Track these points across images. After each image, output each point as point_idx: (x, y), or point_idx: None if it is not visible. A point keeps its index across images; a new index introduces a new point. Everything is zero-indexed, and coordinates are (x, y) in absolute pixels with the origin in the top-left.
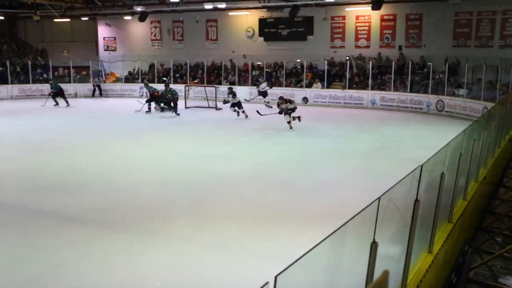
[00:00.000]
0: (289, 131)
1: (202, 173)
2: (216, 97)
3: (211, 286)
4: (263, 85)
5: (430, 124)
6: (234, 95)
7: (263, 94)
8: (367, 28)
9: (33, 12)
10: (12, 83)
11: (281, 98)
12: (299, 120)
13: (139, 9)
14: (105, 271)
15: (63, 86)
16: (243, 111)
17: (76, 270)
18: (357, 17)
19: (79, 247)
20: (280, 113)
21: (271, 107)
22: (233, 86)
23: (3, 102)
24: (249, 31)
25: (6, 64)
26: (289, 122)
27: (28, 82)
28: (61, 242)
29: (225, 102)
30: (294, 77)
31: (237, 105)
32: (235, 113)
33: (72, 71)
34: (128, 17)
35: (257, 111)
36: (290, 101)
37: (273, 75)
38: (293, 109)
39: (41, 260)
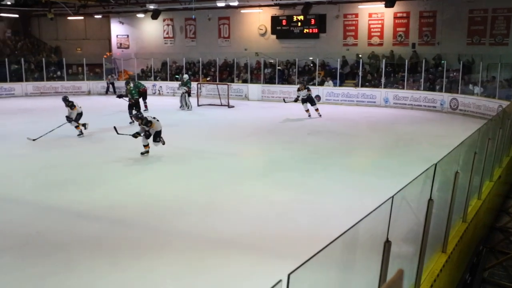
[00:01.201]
0: (300, 129)
1: (215, 171)
2: (228, 94)
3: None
4: (303, 92)
5: (444, 123)
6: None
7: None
8: (380, 25)
9: (47, 10)
10: (26, 80)
11: (301, 83)
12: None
13: (151, 7)
14: (114, 267)
15: (77, 84)
16: (316, 109)
17: (87, 265)
18: (370, 15)
19: (91, 243)
20: (295, 101)
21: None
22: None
23: (18, 99)
24: (262, 29)
25: (20, 62)
26: (307, 111)
27: (42, 80)
28: (73, 237)
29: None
30: (307, 75)
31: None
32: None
33: (85, 68)
34: (141, 15)
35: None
36: (308, 88)
37: (285, 73)
38: (310, 98)
39: (53, 256)
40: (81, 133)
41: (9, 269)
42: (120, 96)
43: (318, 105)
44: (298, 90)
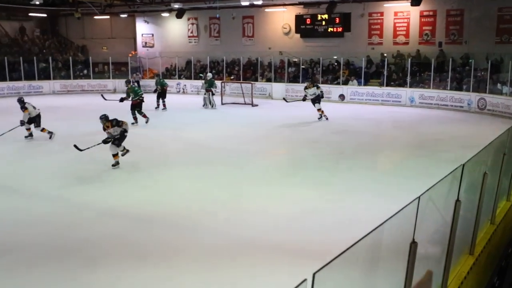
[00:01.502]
0: (325, 128)
1: (239, 169)
2: (252, 93)
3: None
4: (311, 91)
5: (471, 123)
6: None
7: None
8: (405, 24)
9: (75, 10)
10: (54, 78)
11: (308, 81)
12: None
13: (176, 6)
14: (138, 263)
15: (102, 82)
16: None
17: (115, 261)
18: (395, 13)
19: (119, 238)
20: (303, 100)
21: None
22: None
23: (45, 97)
24: (286, 28)
25: (48, 60)
26: (319, 110)
27: (69, 78)
28: (102, 233)
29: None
30: (331, 74)
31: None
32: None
33: (111, 67)
34: (165, 14)
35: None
36: (317, 86)
37: (309, 71)
38: (318, 98)
39: (82, 251)
40: (50, 134)
41: (33, 264)
42: (122, 100)
43: (340, 105)
44: (305, 88)
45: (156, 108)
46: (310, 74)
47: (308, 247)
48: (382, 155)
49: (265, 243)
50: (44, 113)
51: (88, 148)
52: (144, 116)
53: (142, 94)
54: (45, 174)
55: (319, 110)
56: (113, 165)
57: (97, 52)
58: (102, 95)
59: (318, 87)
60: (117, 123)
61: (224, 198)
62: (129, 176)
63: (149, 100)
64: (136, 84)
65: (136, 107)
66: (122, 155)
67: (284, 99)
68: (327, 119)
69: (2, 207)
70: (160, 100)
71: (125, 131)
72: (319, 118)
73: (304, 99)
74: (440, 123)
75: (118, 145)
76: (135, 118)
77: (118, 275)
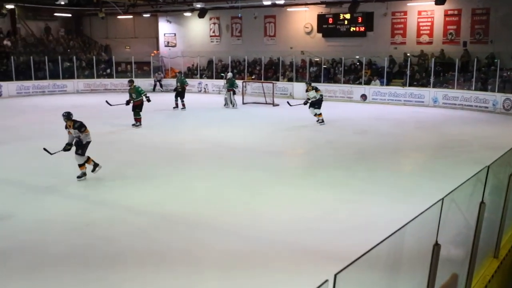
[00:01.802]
0: (345, 128)
1: (258, 169)
2: (273, 93)
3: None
4: (312, 93)
5: (496, 124)
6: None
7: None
8: (429, 23)
9: (99, 10)
10: (78, 77)
11: (308, 83)
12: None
13: (198, 5)
14: (162, 261)
15: (125, 81)
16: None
17: (135, 259)
18: (419, 12)
19: (139, 236)
20: (305, 103)
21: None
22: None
23: (69, 96)
24: (307, 27)
25: (72, 60)
26: (317, 115)
27: (92, 77)
28: (122, 231)
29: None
30: (353, 73)
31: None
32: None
33: (133, 66)
34: (188, 14)
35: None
36: (316, 89)
37: (330, 71)
38: (319, 102)
39: (102, 249)
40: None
41: (57, 261)
42: (128, 103)
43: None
44: (306, 91)
45: (174, 108)
46: (332, 74)
47: (327, 248)
48: (404, 155)
49: (284, 244)
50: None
51: (57, 152)
52: (137, 120)
53: (145, 93)
54: (68, 171)
55: (317, 115)
56: (78, 177)
57: (120, 51)
58: (107, 101)
59: (317, 90)
60: (79, 127)
61: (242, 197)
62: (148, 175)
63: (169, 99)
64: (158, 83)
65: (137, 108)
66: (93, 171)
67: (288, 103)
68: (322, 121)
69: (23, 206)
70: (179, 100)
71: (81, 141)
72: (319, 122)
73: (305, 103)
74: (464, 124)
75: (82, 154)
76: (137, 120)
77: (140, 272)
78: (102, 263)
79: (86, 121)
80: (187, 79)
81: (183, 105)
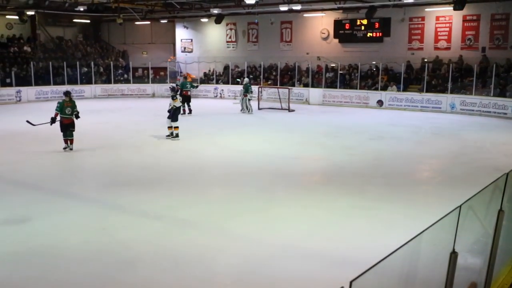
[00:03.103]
0: (362, 134)
1: (275, 174)
2: (289, 98)
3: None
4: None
5: None
6: None
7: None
8: (447, 29)
9: (117, 16)
10: (95, 83)
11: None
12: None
13: (215, 11)
14: (177, 266)
15: (142, 86)
16: None
17: (149, 263)
18: (437, 18)
19: (154, 241)
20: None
21: None
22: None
23: (87, 101)
24: (324, 33)
25: (90, 65)
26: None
27: (110, 82)
28: (137, 236)
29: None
30: (369, 79)
31: None
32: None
33: (150, 72)
34: (204, 20)
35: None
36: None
37: (346, 77)
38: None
39: (118, 253)
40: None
41: (73, 265)
42: (53, 121)
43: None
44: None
45: (181, 114)
46: (348, 80)
47: (343, 255)
48: (421, 162)
49: (299, 250)
50: (86, 116)
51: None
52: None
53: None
54: (85, 176)
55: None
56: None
57: (137, 57)
58: (28, 121)
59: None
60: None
61: (258, 203)
62: (163, 181)
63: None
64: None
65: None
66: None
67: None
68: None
69: (39, 210)
70: (186, 106)
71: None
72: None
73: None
74: (482, 130)
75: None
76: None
77: (155, 276)
78: (118, 267)
79: (106, 126)
80: (202, 84)
81: (190, 110)
